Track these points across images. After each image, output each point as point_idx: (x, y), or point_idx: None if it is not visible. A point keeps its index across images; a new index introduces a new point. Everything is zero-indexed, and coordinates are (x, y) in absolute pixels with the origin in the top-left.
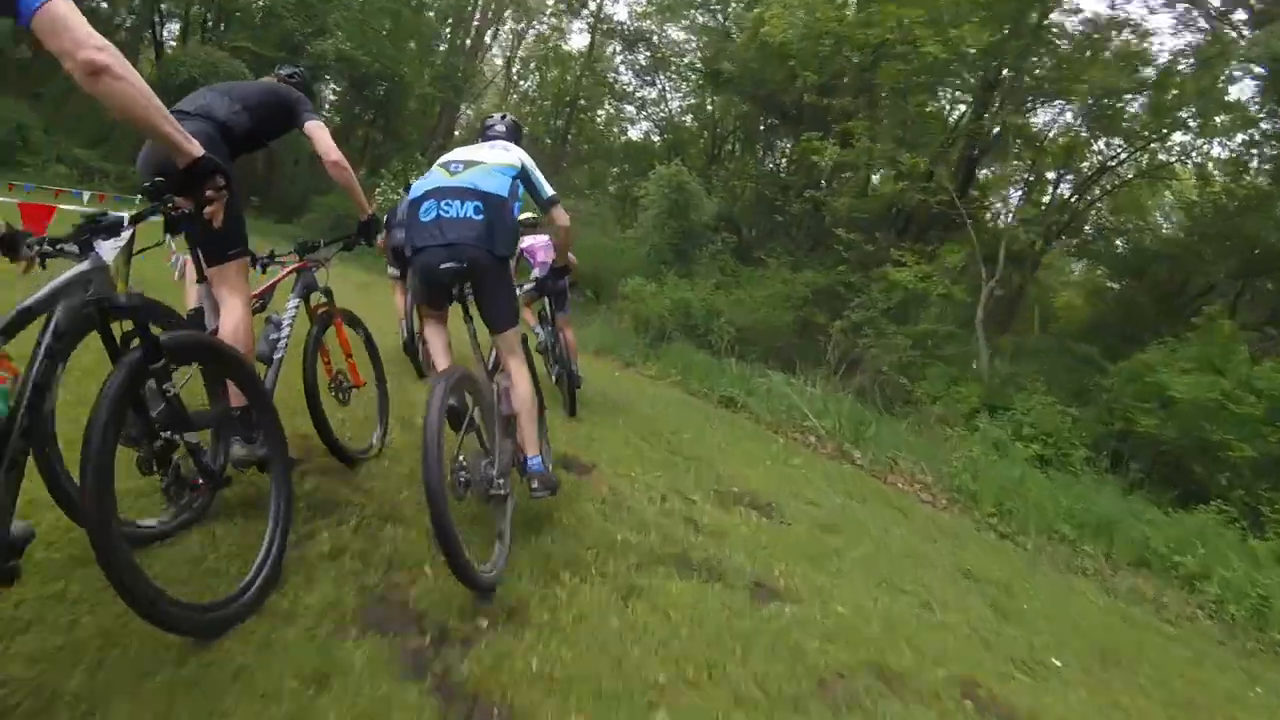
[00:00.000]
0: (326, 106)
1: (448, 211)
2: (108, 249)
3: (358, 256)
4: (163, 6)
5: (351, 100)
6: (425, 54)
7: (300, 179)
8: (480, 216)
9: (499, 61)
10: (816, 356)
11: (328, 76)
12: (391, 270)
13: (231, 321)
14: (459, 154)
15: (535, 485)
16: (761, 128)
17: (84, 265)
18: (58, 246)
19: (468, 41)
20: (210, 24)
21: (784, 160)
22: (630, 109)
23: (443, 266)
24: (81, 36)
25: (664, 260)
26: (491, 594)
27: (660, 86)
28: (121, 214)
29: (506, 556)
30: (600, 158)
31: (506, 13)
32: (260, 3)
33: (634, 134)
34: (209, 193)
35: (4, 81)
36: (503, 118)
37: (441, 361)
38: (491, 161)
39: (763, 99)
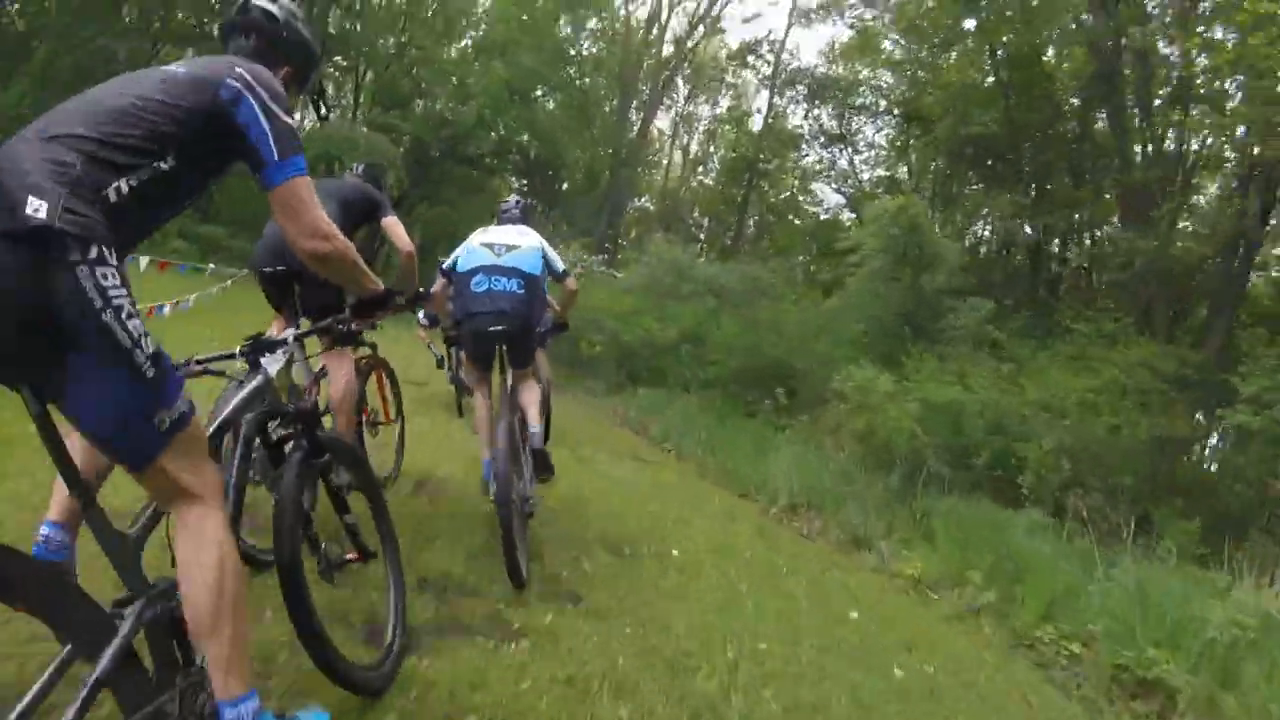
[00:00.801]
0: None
1: (497, 286)
2: (272, 363)
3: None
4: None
5: (531, 198)
6: (592, 133)
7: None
8: (522, 291)
9: (669, 132)
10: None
11: (487, 159)
12: (422, 321)
13: (343, 381)
14: (495, 236)
15: (534, 444)
16: (968, 186)
17: (257, 380)
18: (205, 365)
19: (634, 116)
20: (363, 103)
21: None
22: (818, 187)
23: (491, 329)
24: (309, 225)
25: (892, 333)
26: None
27: (848, 154)
28: (285, 334)
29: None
30: (779, 218)
31: (678, 78)
32: (409, 78)
33: (821, 213)
34: (386, 312)
35: None
36: (517, 203)
37: (485, 431)
38: (525, 246)
39: (971, 145)
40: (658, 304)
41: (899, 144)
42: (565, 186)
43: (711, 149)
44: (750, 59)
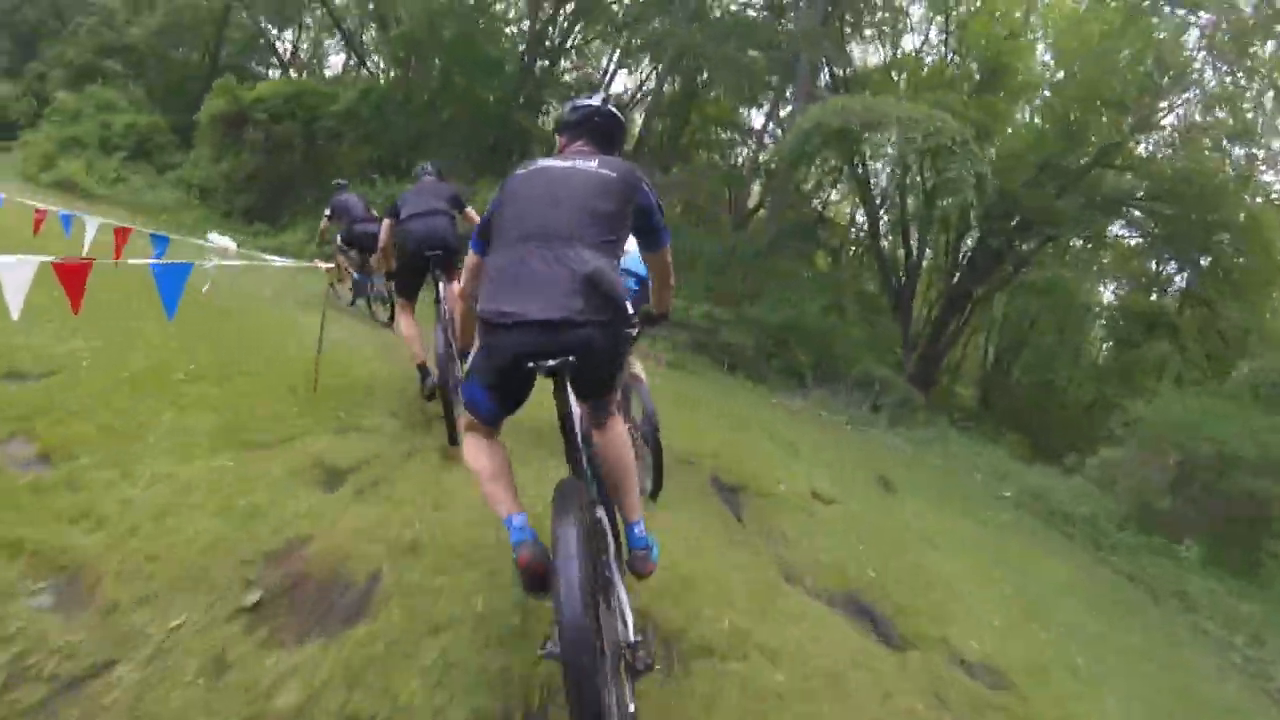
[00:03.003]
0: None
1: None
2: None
3: None
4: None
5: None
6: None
7: None
8: (638, 286)
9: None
10: None
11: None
12: None
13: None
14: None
15: None
16: None
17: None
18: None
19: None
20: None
21: None
22: None
23: None
24: (671, 268)
25: None
26: None
27: None
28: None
29: None
30: None
31: None
32: None
33: None
34: (656, 327)
35: None
36: None
37: None
38: (633, 252)
39: None
40: None
41: None
42: None
43: None
44: None
